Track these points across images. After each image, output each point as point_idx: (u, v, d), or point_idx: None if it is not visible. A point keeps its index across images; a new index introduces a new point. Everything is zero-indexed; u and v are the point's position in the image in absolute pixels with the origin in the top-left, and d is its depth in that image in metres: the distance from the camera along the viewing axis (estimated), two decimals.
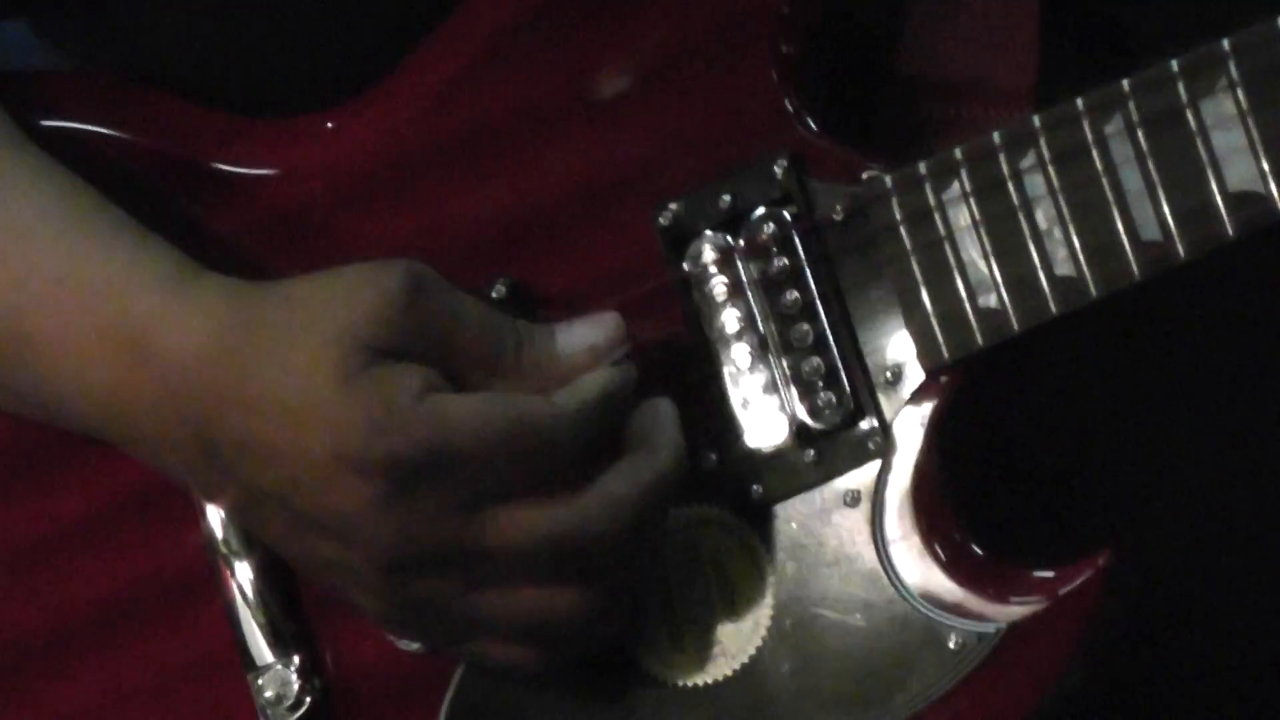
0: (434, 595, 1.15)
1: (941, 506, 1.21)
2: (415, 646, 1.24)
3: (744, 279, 1.21)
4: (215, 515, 1.26)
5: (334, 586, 1.19)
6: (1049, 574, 1.19)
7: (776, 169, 1.21)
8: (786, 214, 1.20)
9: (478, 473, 1.12)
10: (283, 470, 1.13)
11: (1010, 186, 1.17)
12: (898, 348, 1.20)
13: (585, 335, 1.18)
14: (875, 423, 1.20)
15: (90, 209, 1.22)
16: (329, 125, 1.28)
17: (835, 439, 1.21)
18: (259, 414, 1.13)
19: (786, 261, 1.20)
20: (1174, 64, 1.13)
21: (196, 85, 1.31)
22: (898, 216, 1.19)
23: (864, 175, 1.20)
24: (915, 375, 1.20)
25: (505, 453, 1.12)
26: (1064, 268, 1.16)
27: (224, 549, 1.26)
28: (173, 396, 1.16)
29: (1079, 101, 1.15)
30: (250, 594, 1.26)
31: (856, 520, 1.21)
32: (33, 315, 1.19)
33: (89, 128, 1.30)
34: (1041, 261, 1.16)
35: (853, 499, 1.21)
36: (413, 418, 1.10)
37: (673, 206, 1.22)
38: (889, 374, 1.20)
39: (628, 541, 1.15)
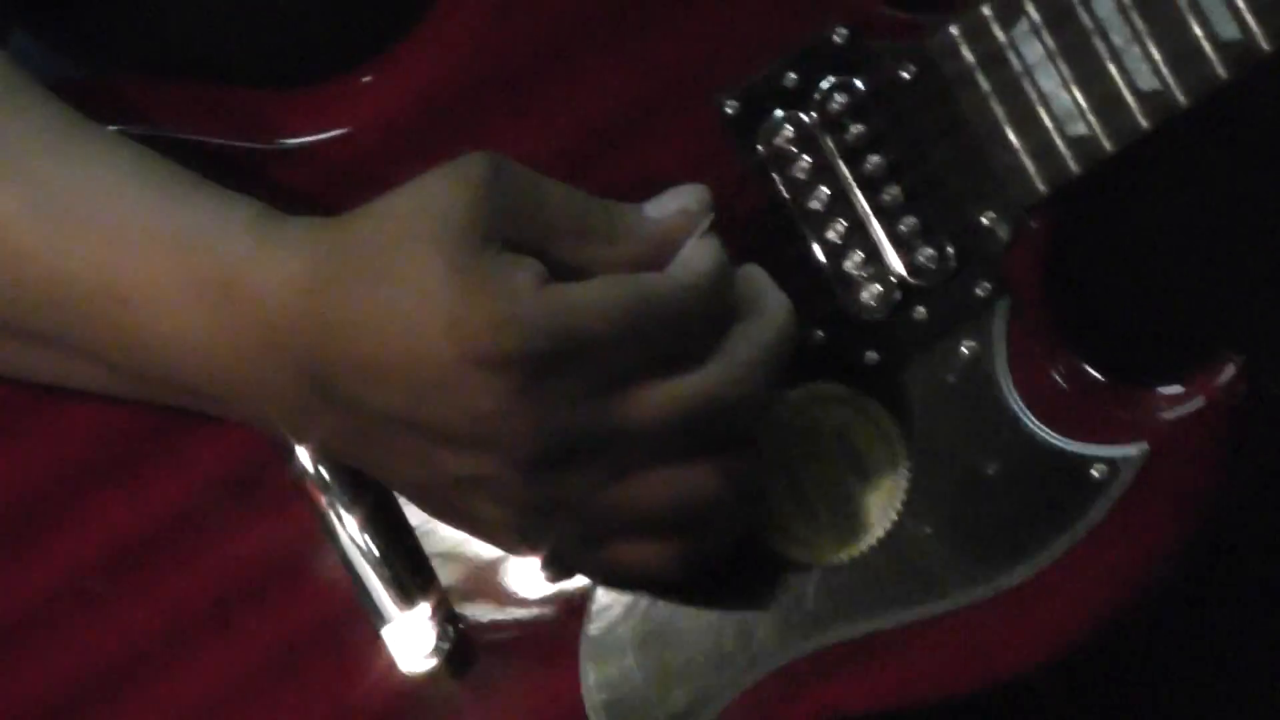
0: (574, 492, 1.12)
1: (1060, 341, 1.20)
2: (548, 573, 1.22)
3: (823, 152, 1.20)
4: (309, 463, 1.23)
5: (458, 508, 1.16)
6: (1179, 389, 1.19)
7: (836, 38, 1.19)
8: (856, 81, 1.19)
9: (609, 355, 1.09)
10: (408, 384, 1.10)
11: (1080, 10, 1.16)
12: (992, 192, 1.19)
13: (674, 201, 1.16)
14: (981, 270, 1.19)
15: (167, 170, 1.18)
16: (374, 79, 1.25)
17: (943, 293, 1.19)
18: (371, 332, 1.10)
19: (864, 128, 1.19)
20: None
21: (219, 71, 1.29)
22: (970, 61, 1.18)
23: (923, 30, 1.19)
24: (1014, 215, 1.19)
25: (633, 332, 1.09)
26: (1148, 81, 1.15)
27: (333, 505, 1.23)
28: (276, 336, 1.13)
29: None
30: (370, 547, 1.23)
31: (978, 368, 1.20)
32: (128, 274, 1.16)
33: (135, 130, 1.26)
34: (1124, 79, 1.16)
35: (970, 349, 1.19)
36: (538, 307, 1.07)
37: (736, 94, 1.21)
38: (987, 219, 1.19)
39: (758, 405, 1.14)
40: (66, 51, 1.36)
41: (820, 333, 1.20)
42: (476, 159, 1.11)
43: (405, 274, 1.09)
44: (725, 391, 1.12)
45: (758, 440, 1.16)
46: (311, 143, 1.25)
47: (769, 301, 1.15)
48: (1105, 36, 1.16)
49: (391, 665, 1.23)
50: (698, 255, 1.14)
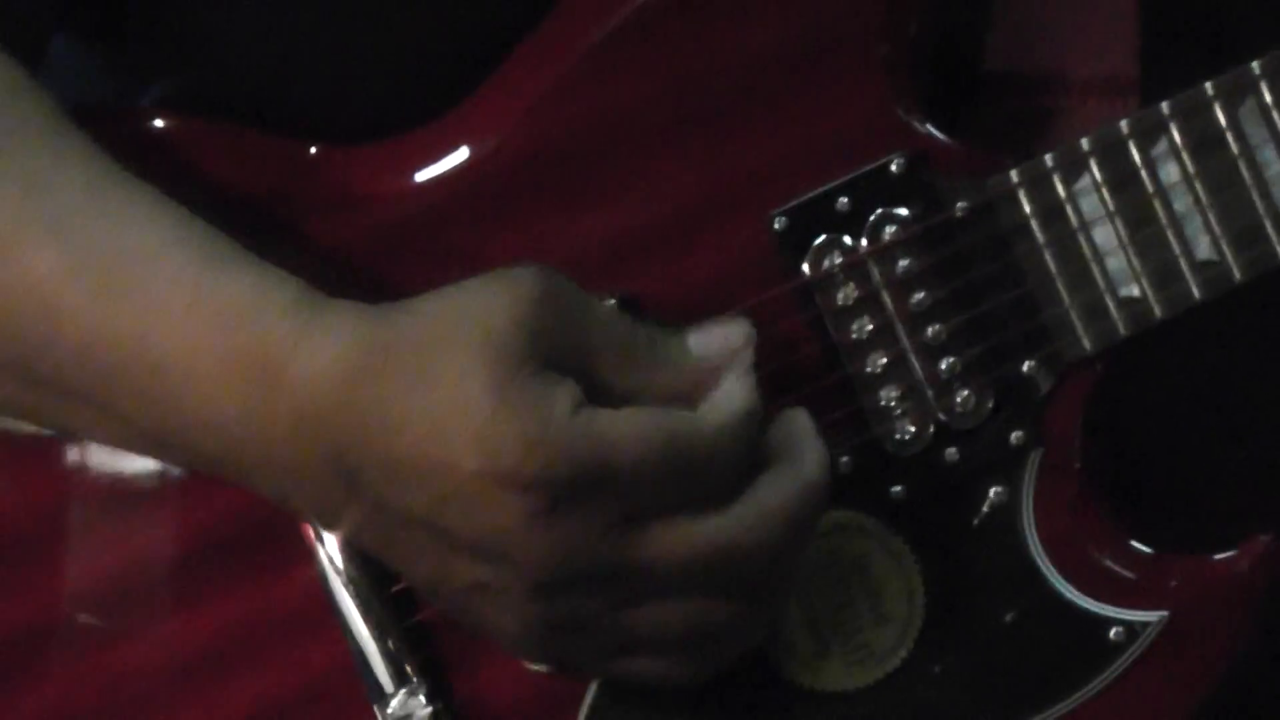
0: (583, 613, 1.12)
1: (1090, 497, 1.21)
2: (546, 669, 1.22)
3: (869, 281, 1.20)
4: (333, 544, 1.23)
5: (470, 612, 1.15)
6: (1209, 559, 1.19)
7: (894, 168, 1.19)
8: (909, 213, 1.19)
9: (634, 489, 1.08)
10: (432, 490, 1.09)
11: (1144, 175, 1.16)
12: (1037, 342, 1.19)
13: (719, 338, 1.14)
14: (1018, 418, 1.19)
15: (209, 238, 1.15)
16: (421, 145, 1.24)
17: (977, 436, 1.19)
18: (404, 433, 1.08)
19: (913, 261, 1.19)
20: None
21: (273, 111, 1.27)
22: (1028, 210, 1.18)
23: (982, 170, 1.19)
24: (1057, 368, 1.19)
25: (662, 469, 1.09)
26: (1205, 252, 1.16)
27: (344, 578, 1.23)
28: (308, 422, 1.11)
29: (1208, 86, 1.16)
30: (374, 622, 1.23)
31: (1004, 516, 1.20)
32: (161, 344, 1.13)
33: (185, 169, 1.25)
34: (1182, 248, 1.16)
35: (999, 495, 1.20)
36: (569, 433, 1.06)
37: (787, 212, 1.20)
38: (1028, 368, 1.19)
39: (781, 552, 1.13)
40: (109, 65, 1.34)
41: (847, 459, 1.20)
42: (531, 274, 1.10)
43: (443, 380, 1.08)
44: (745, 538, 1.11)
45: (781, 579, 1.16)
46: (366, 197, 1.25)
47: (806, 451, 1.14)
48: (1167, 202, 1.16)
49: None
50: (734, 396, 1.13)
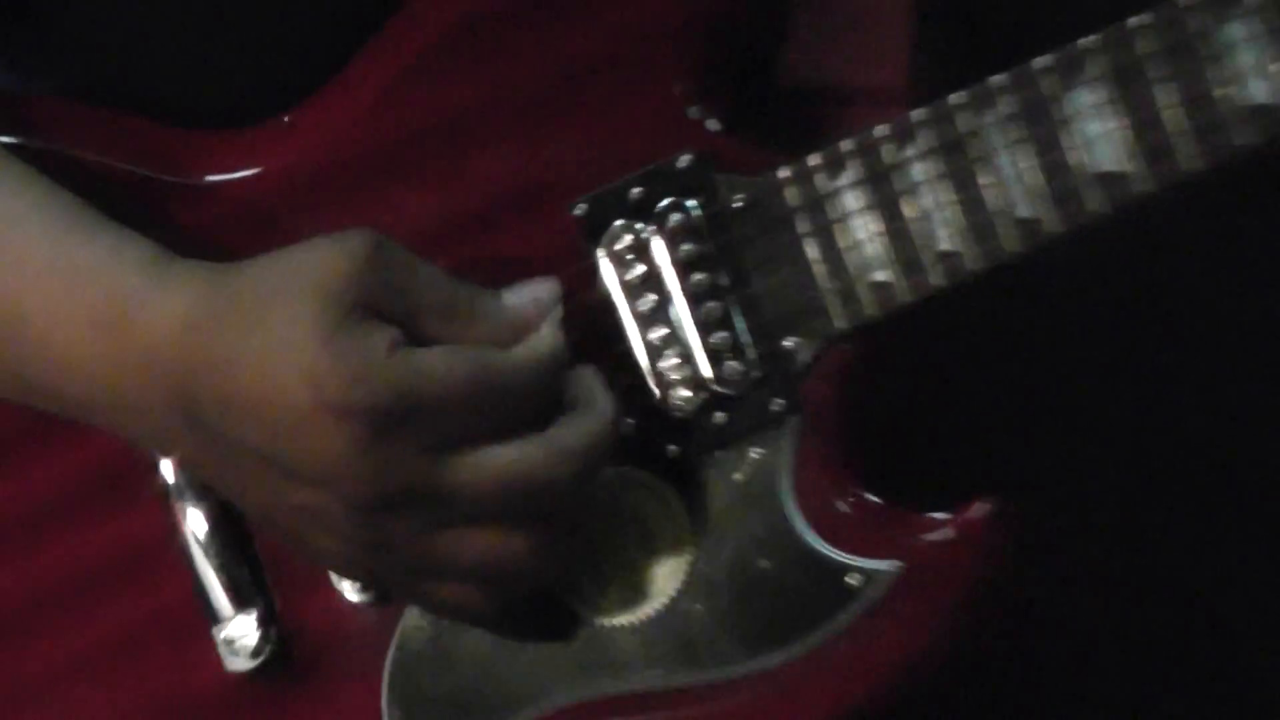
0: (398, 535, 1.26)
1: (842, 459, 1.34)
2: (366, 596, 1.37)
3: (655, 262, 1.34)
4: (171, 473, 1.38)
5: (296, 535, 1.30)
6: (943, 516, 1.32)
7: (680, 163, 1.34)
8: (692, 203, 1.34)
9: (444, 418, 1.22)
10: (265, 422, 1.23)
11: (895, 174, 1.30)
12: (796, 321, 1.33)
13: (529, 293, 1.30)
14: (779, 388, 1.33)
15: (72, 206, 1.32)
16: (273, 133, 1.40)
17: (743, 403, 1.33)
18: (241, 371, 1.23)
19: (693, 247, 1.33)
20: (1036, 63, 1.27)
21: (145, 102, 1.42)
22: (793, 205, 1.32)
23: (758, 167, 1.33)
24: (813, 344, 1.33)
25: (468, 399, 1.23)
26: (946, 244, 1.29)
27: (184, 511, 1.38)
28: (156, 365, 1.26)
29: (953, 97, 1.29)
30: (209, 549, 1.38)
31: (763, 473, 1.34)
32: (27, 296, 1.29)
33: (57, 149, 1.40)
34: (925, 240, 1.29)
35: (759, 455, 1.33)
36: (387, 369, 1.21)
37: (587, 199, 1.35)
38: (790, 343, 1.33)
39: (573, 489, 1.27)
40: (3, 64, 1.49)
41: (631, 421, 1.34)
42: (362, 234, 1.25)
43: (277, 324, 1.22)
44: (539, 471, 1.24)
45: (576, 523, 1.30)
46: (221, 181, 1.40)
47: (598, 402, 1.29)
48: (913, 198, 1.30)
49: (217, 662, 1.38)
50: (538, 339, 1.28)
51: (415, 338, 1.25)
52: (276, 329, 1.22)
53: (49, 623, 1.41)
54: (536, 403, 1.27)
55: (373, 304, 1.24)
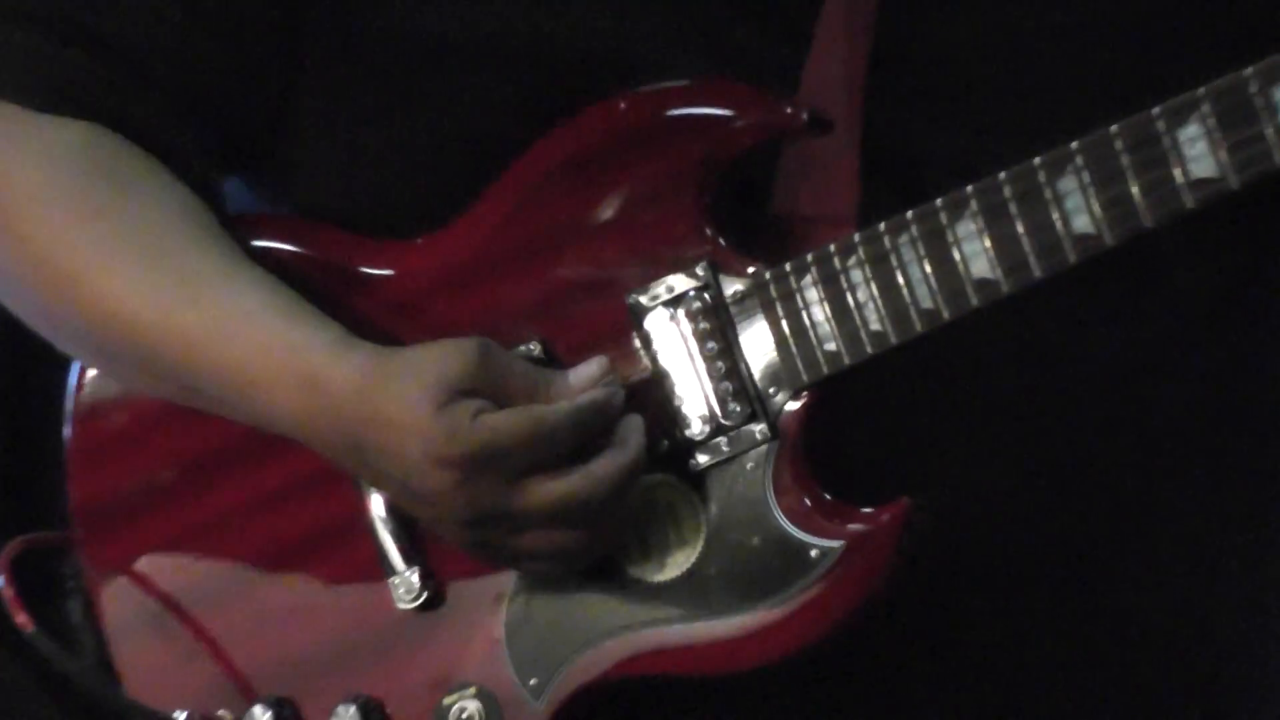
0: (490, 538, 1.86)
1: (807, 469, 1.88)
2: (481, 561, 1.97)
3: (681, 336, 1.91)
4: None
5: (431, 530, 1.93)
6: (872, 510, 1.86)
7: (699, 269, 1.91)
8: (706, 295, 1.90)
9: (512, 459, 1.80)
10: (399, 464, 1.83)
11: (842, 277, 1.86)
12: (776, 375, 1.89)
13: (586, 371, 1.87)
14: (763, 421, 1.89)
15: (287, 298, 1.93)
16: (427, 243, 2.01)
17: (740, 432, 1.90)
18: (387, 429, 1.82)
19: (707, 324, 1.90)
20: (936, 202, 1.81)
21: (346, 218, 2.05)
22: (773, 296, 1.89)
23: (750, 270, 1.89)
24: (787, 391, 1.89)
25: (528, 444, 1.80)
26: (876, 325, 1.84)
27: (368, 491, 2.00)
28: (338, 420, 1.85)
29: (881, 225, 1.84)
30: (387, 525, 2.00)
31: (754, 481, 1.89)
32: (250, 363, 1.89)
33: (283, 246, 2.04)
34: (862, 322, 1.85)
35: (751, 466, 1.89)
36: (472, 430, 1.79)
37: (635, 292, 1.92)
38: (771, 390, 1.89)
39: (608, 504, 1.84)
40: (261, 193, 2.15)
41: (666, 443, 1.91)
42: (474, 343, 1.83)
43: (410, 399, 1.81)
44: (580, 493, 1.81)
45: (616, 520, 1.87)
46: (373, 274, 2.03)
47: (630, 440, 1.85)
48: (854, 292, 1.85)
49: (390, 602, 2.02)
50: (581, 398, 1.85)
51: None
52: (409, 403, 1.82)
53: (280, 564, 2.06)
54: (576, 443, 1.83)
55: (474, 388, 1.81)
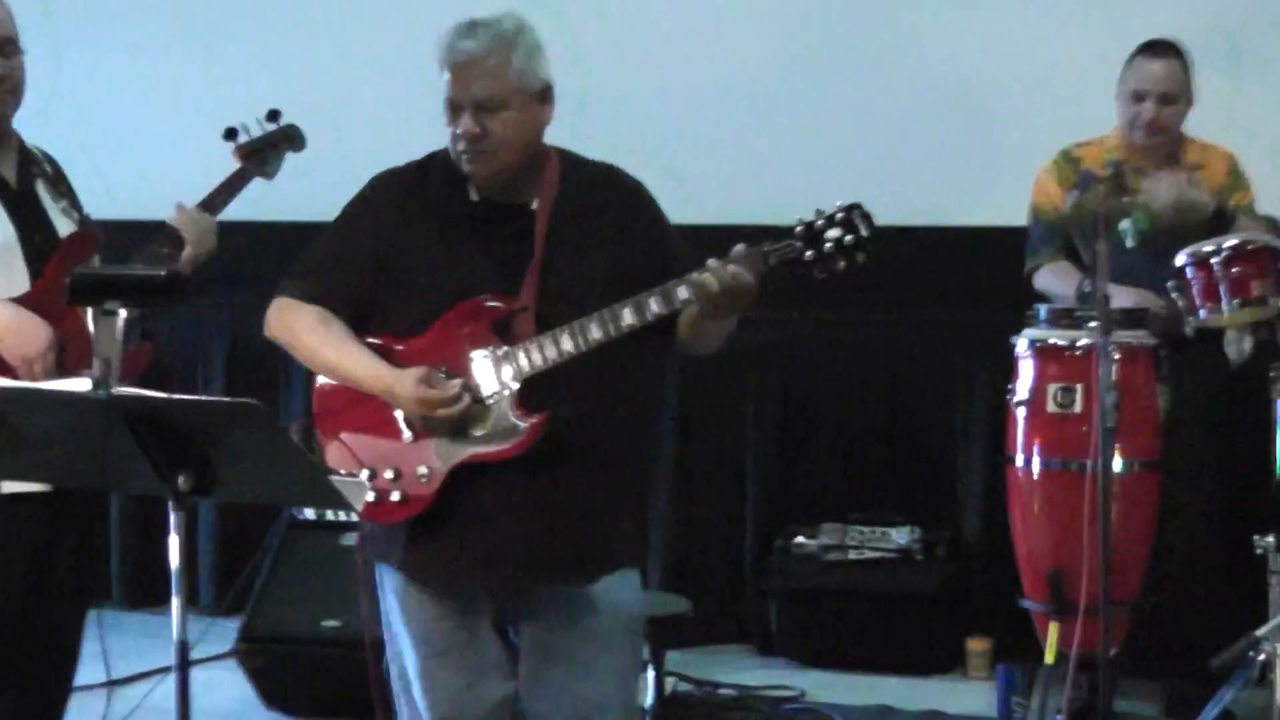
0: (424, 420, 5.62)
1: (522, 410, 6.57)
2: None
3: (487, 366, 6.54)
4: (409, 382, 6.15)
5: (409, 415, 6.39)
6: (539, 417, 5.86)
7: (492, 346, 6.44)
8: (496, 352, 6.46)
9: (432, 403, 5.56)
10: (403, 402, 5.66)
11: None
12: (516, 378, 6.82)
13: (454, 381, 5.83)
14: (508, 391, 6.54)
15: (372, 355, 5.75)
16: (412, 342, 5.70)
17: (500, 394, 6.58)
18: (398, 392, 5.69)
19: (494, 363, 6.63)
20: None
21: (391, 334, 6.01)
22: (512, 354, 6.65)
23: (503, 350, 6.52)
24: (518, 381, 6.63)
25: (439, 400, 5.54)
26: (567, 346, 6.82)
27: (396, 413, 6.35)
28: (386, 390, 5.61)
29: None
30: (400, 417, 5.99)
31: (505, 408, 6.54)
32: (365, 375, 5.79)
33: (371, 340, 5.90)
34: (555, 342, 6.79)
35: (506, 398, 6.62)
36: (423, 394, 5.55)
37: (472, 351, 6.52)
38: (514, 382, 6.65)
39: (455, 414, 5.69)
40: (359, 326, 6.13)
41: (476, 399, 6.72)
42: (424, 368, 5.59)
43: (405, 385, 5.73)
44: (452, 413, 5.71)
45: (456, 421, 5.91)
46: (395, 349, 5.92)
47: (464, 398, 6.00)
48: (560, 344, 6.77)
49: (400, 436, 6.05)
50: (447, 389, 6.05)
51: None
52: (406, 385, 5.83)
53: (377, 428, 6.09)
54: (452, 400, 5.51)
55: (423, 380, 5.71)
